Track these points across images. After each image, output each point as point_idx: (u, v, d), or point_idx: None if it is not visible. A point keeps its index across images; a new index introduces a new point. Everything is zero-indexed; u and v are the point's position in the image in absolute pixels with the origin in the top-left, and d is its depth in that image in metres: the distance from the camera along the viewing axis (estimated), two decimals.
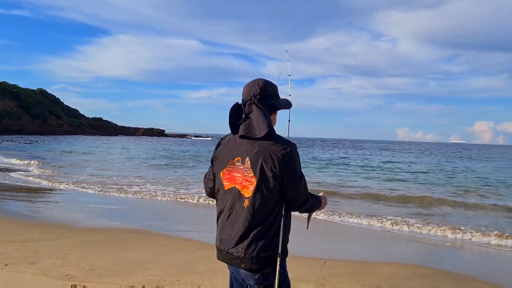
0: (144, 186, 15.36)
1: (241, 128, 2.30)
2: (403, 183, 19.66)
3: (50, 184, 15.07)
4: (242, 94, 2.40)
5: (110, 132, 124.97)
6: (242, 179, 2.26)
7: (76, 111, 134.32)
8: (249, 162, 2.24)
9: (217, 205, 2.46)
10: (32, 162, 24.36)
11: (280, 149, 2.22)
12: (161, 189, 14.52)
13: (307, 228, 2.59)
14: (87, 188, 14.19)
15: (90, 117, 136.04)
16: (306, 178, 2.38)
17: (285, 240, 2.35)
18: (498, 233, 8.65)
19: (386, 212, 11.28)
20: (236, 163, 2.30)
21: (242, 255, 2.23)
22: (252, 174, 2.23)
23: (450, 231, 8.91)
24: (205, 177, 2.63)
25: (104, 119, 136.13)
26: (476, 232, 8.89)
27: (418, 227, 9.22)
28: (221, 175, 2.38)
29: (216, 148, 2.48)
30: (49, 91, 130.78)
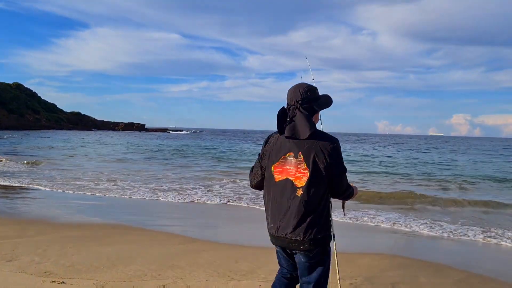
0: (125, 181, 15.19)
1: (287, 129, 2.64)
2: (384, 176, 19.88)
3: (21, 181, 14.78)
4: (287, 99, 2.74)
5: (89, 126, 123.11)
6: (296, 171, 2.59)
7: (53, 105, 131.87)
8: (302, 156, 2.58)
9: (265, 197, 2.81)
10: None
11: (329, 144, 2.59)
12: (138, 185, 14.39)
13: (344, 214, 2.85)
14: (61, 188, 13.97)
15: (68, 111, 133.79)
16: None
17: (331, 223, 2.75)
18: (475, 224, 8.84)
19: (365, 206, 11.42)
20: (288, 157, 2.64)
21: (301, 239, 2.59)
22: (305, 166, 2.56)
23: (430, 223, 9.10)
24: (251, 171, 2.94)
25: (82, 113, 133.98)
26: (454, 224, 9.11)
27: (398, 221, 9.37)
28: (272, 169, 2.71)
29: (265, 145, 2.81)
30: (25, 85, 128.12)
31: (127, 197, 11.73)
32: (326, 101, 2.78)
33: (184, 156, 29.94)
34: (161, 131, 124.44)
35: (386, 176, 19.59)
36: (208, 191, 13.30)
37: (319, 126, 2.87)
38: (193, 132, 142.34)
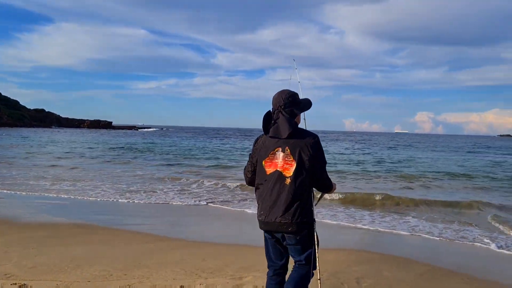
0: (91, 181, 14.89)
1: (271, 130, 3.10)
2: (352, 174, 20.22)
3: None
4: (272, 104, 3.19)
5: (53, 124, 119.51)
6: (284, 163, 3.02)
7: (16, 102, 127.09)
8: (288, 150, 3.01)
9: (257, 189, 3.19)
10: None
11: (311, 139, 3.05)
12: (102, 184, 14.14)
13: (315, 204, 3.22)
14: (20, 188, 13.56)
15: (32, 108, 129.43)
16: None
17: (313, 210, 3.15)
18: (438, 220, 9.13)
19: (333, 202, 11.59)
20: (276, 152, 3.06)
21: (289, 221, 2.98)
22: (292, 159, 3.00)
23: (395, 219, 9.34)
24: (245, 169, 3.38)
25: (47, 110, 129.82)
26: (419, 220, 9.39)
27: (364, 218, 9.57)
28: (263, 163, 3.12)
29: (254, 145, 3.25)
30: None
31: (92, 198, 11.48)
32: (306, 105, 3.25)
33: (149, 154, 29.52)
34: (128, 129, 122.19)
35: (354, 174, 19.91)
36: (176, 190, 13.19)
37: (302, 125, 3.30)
38: (161, 129, 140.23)
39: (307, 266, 3.18)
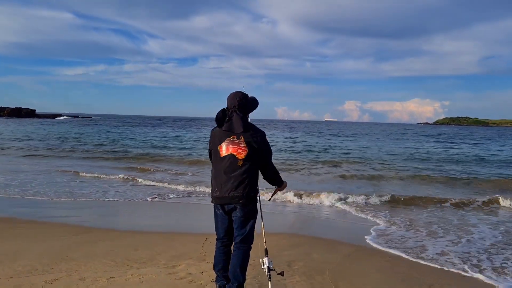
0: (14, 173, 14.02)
1: (225, 126, 3.67)
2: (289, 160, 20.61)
3: None
4: (227, 103, 3.74)
5: None
6: (238, 148, 3.60)
7: None
8: (242, 138, 3.61)
9: (212, 170, 3.80)
10: None
11: (259, 134, 3.68)
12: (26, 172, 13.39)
13: (269, 200, 4.34)
14: None
15: None
16: None
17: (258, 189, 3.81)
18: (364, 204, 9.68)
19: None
20: (231, 139, 3.63)
21: (240, 195, 3.59)
22: (245, 145, 3.60)
23: (326, 203, 9.73)
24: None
25: None
26: (347, 205, 9.84)
27: (295, 200, 9.87)
28: (218, 148, 3.69)
29: (211, 134, 3.82)
30: None
31: (16, 186, 10.81)
32: (254, 105, 3.83)
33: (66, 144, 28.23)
34: (53, 117, 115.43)
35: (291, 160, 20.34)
36: (102, 179, 12.78)
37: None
38: (83, 117, 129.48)
39: (245, 245, 3.73)
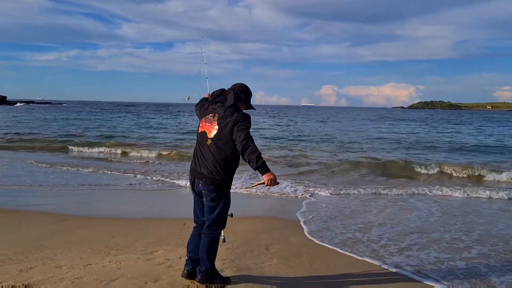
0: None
1: (219, 99, 3.82)
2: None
3: None
4: (231, 87, 3.89)
5: None
6: (210, 126, 3.72)
7: None
8: (216, 117, 3.71)
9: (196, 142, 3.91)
10: None
11: (241, 115, 3.65)
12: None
13: (246, 188, 4.18)
14: None
15: None
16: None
17: (232, 176, 3.83)
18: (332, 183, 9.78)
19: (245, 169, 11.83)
20: (209, 117, 3.77)
21: (205, 173, 3.67)
22: (216, 124, 3.67)
23: (301, 186, 9.84)
24: None
25: None
26: (323, 187, 9.95)
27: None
28: (200, 123, 3.86)
29: (202, 103, 4.00)
30: None
31: None
32: (249, 95, 3.96)
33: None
34: (26, 104, 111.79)
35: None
36: (76, 165, 12.58)
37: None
38: (28, 103, 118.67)
39: (212, 231, 3.81)
